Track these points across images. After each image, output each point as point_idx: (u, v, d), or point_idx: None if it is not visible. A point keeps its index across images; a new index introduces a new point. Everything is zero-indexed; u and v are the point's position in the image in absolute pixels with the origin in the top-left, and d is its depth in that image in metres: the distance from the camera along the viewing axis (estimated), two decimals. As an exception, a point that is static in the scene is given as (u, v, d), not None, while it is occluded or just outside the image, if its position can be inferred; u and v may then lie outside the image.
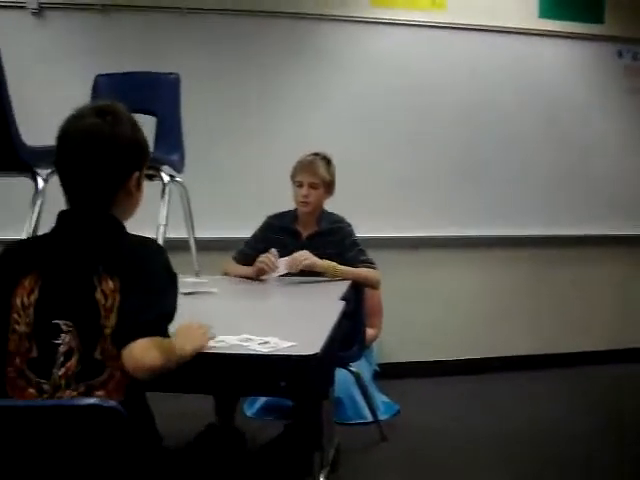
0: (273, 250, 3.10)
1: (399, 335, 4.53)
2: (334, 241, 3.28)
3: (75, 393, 1.45)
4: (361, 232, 3.41)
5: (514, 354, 4.86)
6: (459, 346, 4.79)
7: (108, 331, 1.47)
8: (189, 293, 2.47)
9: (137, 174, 1.65)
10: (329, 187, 3.32)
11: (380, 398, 3.90)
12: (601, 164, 4.98)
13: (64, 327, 1.48)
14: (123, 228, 1.65)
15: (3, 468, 1.33)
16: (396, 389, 4.09)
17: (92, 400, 1.36)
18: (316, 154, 3.34)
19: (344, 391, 3.66)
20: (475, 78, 4.71)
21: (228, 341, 1.85)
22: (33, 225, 2.19)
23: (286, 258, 3.08)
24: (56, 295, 1.51)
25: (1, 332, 1.51)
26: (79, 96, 3.32)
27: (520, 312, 4.92)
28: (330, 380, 2.90)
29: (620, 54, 4.97)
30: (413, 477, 3.08)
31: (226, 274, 3.31)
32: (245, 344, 1.83)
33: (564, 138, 4.91)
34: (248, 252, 3.31)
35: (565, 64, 4.91)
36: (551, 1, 4.82)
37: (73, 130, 1.59)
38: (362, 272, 3.17)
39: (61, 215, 1.61)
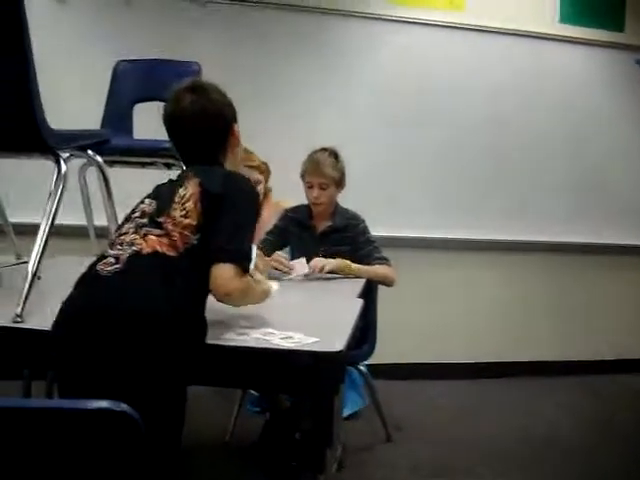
0: (280, 253, 3.14)
1: (408, 335, 4.50)
2: (348, 237, 3.27)
3: (136, 236, 1.77)
4: (373, 230, 3.38)
5: (523, 360, 4.85)
6: (468, 349, 4.77)
7: (176, 212, 1.79)
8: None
9: (236, 129, 2.02)
10: (339, 183, 3.30)
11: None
12: (618, 172, 4.98)
13: (147, 202, 1.87)
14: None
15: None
16: (402, 391, 4.08)
17: (103, 403, 1.31)
18: (324, 149, 3.31)
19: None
20: (490, 81, 4.69)
21: (251, 335, 1.85)
22: (54, 208, 2.16)
23: (300, 261, 3.06)
24: (157, 191, 1.94)
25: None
26: (98, 81, 3.37)
27: (531, 318, 4.91)
28: (343, 377, 2.90)
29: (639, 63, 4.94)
30: (417, 479, 3.08)
31: None
32: (268, 338, 1.82)
33: (581, 145, 4.90)
34: (272, 240, 3.32)
35: (583, 71, 4.89)
36: (572, 7, 4.80)
37: (179, 110, 1.94)
38: (378, 270, 3.16)
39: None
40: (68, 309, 1.71)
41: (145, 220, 1.81)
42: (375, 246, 3.25)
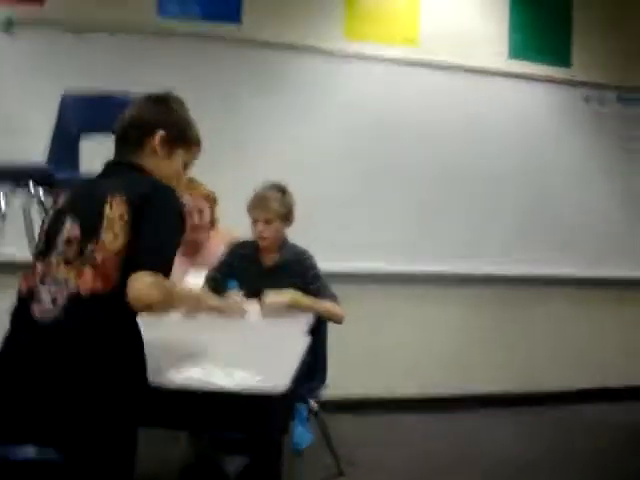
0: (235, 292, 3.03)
1: (365, 370, 4.49)
2: (296, 272, 3.22)
3: (69, 271, 1.69)
4: (323, 266, 3.34)
5: (481, 392, 4.85)
6: (426, 383, 4.76)
7: (107, 237, 1.70)
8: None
9: (162, 132, 1.91)
10: (286, 218, 3.27)
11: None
12: (569, 205, 5.05)
13: (68, 225, 1.75)
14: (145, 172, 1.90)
15: None
16: (359, 424, 4.05)
17: (29, 451, 1.28)
18: (271, 185, 3.28)
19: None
20: (443, 115, 4.74)
21: (193, 374, 1.81)
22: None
23: (254, 307, 2.98)
24: (76, 205, 1.81)
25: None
26: (47, 114, 3.32)
27: (487, 350, 4.93)
28: (291, 414, 2.86)
29: (587, 99, 5.06)
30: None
31: None
32: (210, 379, 1.79)
33: (532, 180, 4.97)
34: (218, 277, 3.25)
35: (533, 106, 4.97)
36: (522, 42, 4.91)
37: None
38: (327, 306, 3.13)
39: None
40: (4, 357, 1.67)
41: (74, 250, 1.72)
42: (323, 283, 3.22)
